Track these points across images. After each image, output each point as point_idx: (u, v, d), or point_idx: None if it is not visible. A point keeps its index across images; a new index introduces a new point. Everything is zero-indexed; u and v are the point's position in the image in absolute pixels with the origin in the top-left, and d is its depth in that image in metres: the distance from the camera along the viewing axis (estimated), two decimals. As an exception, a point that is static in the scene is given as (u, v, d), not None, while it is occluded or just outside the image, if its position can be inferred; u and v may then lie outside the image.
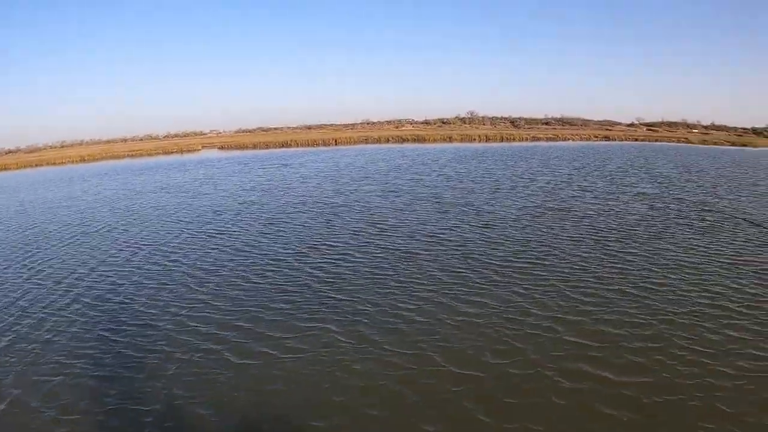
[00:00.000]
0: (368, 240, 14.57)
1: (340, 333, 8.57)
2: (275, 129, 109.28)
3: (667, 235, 14.50)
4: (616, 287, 10.35)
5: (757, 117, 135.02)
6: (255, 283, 11.35)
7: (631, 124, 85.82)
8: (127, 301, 10.63)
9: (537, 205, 18.99)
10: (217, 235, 16.00)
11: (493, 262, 12.20)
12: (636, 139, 65.19)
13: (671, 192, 21.92)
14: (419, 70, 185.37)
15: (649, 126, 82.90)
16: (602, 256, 12.52)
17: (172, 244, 15.17)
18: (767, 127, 73.51)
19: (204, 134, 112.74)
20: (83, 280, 12.22)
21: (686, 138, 65.43)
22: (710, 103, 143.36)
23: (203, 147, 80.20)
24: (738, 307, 9.29)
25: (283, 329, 8.83)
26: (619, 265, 11.81)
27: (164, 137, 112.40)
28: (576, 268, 11.61)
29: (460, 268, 11.84)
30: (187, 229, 17.21)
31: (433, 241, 14.16)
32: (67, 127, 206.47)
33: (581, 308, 9.34)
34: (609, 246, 13.42)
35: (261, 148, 72.37)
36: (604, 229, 15.19)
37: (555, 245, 13.53)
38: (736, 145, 57.87)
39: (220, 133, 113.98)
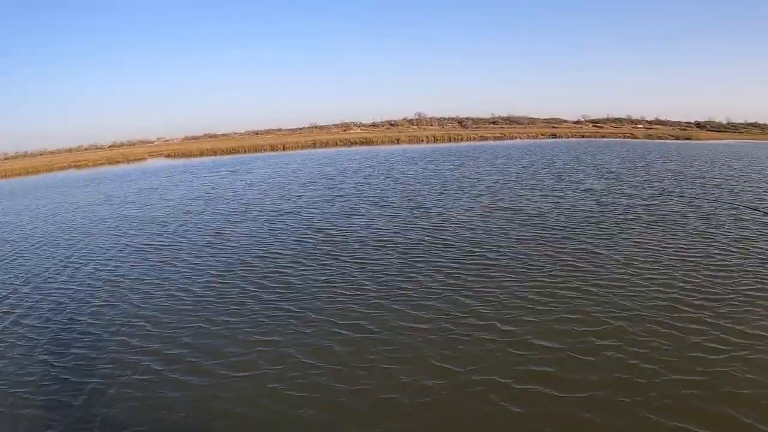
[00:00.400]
0: (316, 247, 14.01)
1: (289, 346, 8.08)
2: (223, 135, 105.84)
3: (618, 229, 14.24)
4: (570, 285, 10.01)
5: (699, 111, 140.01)
6: (201, 296, 10.71)
7: (577, 122, 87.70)
8: (69, 320, 9.94)
9: (485, 205, 18.53)
10: (162, 248, 15.17)
11: (444, 264, 11.72)
12: (582, 136, 66.57)
13: (619, 187, 21.91)
14: (365, 72, 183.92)
15: (595, 122, 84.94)
16: (554, 254, 12.09)
17: (116, 259, 14.28)
18: (709, 120, 76.41)
19: (151, 142, 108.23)
20: (24, 300, 11.34)
21: (632, 133, 67.36)
22: (654, 98, 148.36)
23: (149, 155, 77.08)
24: (693, 300, 9.07)
25: (230, 344, 8.30)
26: (571, 263, 11.39)
27: (110, 146, 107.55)
28: (528, 268, 11.19)
29: (410, 272, 11.32)
30: (132, 242, 16.19)
31: (381, 246, 13.67)
32: (8, 139, 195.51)
33: (536, 308, 8.99)
34: (560, 243, 13.07)
35: (209, 155, 70.02)
36: (555, 227, 14.76)
37: (505, 245, 13.11)
38: (680, 139, 59.92)
39: (167, 140, 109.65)
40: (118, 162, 70.38)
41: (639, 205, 17.57)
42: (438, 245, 13.35)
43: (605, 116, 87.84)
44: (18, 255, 15.79)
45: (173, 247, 15.20)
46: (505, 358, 7.29)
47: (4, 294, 11.91)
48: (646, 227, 14.38)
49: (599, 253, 11.98)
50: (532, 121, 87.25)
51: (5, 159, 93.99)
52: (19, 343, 9.10)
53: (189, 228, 17.73)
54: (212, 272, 12.36)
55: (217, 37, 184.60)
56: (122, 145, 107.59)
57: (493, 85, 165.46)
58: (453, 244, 13.36)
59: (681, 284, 9.80)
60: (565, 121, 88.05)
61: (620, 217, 15.83)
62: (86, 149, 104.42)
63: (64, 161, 73.01)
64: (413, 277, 10.97)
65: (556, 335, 7.87)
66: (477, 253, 12.42)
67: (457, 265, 11.56)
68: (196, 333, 8.79)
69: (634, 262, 11.21)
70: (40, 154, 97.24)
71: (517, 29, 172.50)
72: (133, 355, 8.26)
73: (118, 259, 14.32)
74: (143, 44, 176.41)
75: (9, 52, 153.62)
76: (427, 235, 14.43)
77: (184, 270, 12.72)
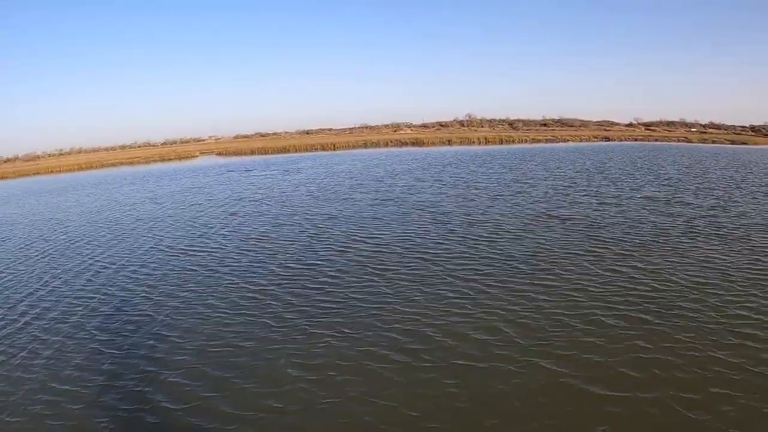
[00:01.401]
0: (362, 256, 13.69)
1: (331, 369, 7.89)
2: (274, 134, 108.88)
3: (683, 244, 13.63)
4: (636, 309, 9.42)
5: (755, 113, 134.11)
6: (237, 304, 10.83)
7: (630, 124, 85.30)
8: (104, 324, 10.28)
9: (541, 213, 18.21)
10: (202, 251, 15.50)
11: (495, 279, 11.30)
12: (636, 140, 64.85)
13: (679, 195, 21.20)
14: (416, 73, 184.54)
15: (647, 126, 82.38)
16: (618, 269, 11.64)
17: (155, 261, 14.77)
18: (765, 124, 73.33)
19: (202, 140, 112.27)
20: (68, 297, 12.03)
21: (686, 137, 65.13)
22: (707, 101, 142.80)
23: (201, 153, 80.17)
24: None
25: (281, 352, 8.46)
26: (639, 280, 10.90)
27: (162, 144, 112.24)
28: (592, 285, 10.73)
29: (463, 286, 10.99)
30: (172, 244, 16.70)
31: (430, 256, 13.39)
32: (66, 135, 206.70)
33: (613, 333, 8.52)
34: (622, 259, 12.43)
35: (259, 153, 72.17)
36: (614, 239, 14.35)
37: (565, 258, 12.63)
38: (735, 144, 57.66)
39: (218, 138, 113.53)
40: (170, 159, 73.64)
41: (703, 216, 16.90)
42: (496, 257, 12.85)
43: (658, 119, 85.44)
44: (59, 252, 16.70)
45: (214, 251, 15.40)
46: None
47: (44, 288, 12.64)
48: (712, 241, 13.77)
49: (668, 273, 11.23)
50: (583, 124, 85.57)
51: (60, 155, 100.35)
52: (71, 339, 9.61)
53: (231, 230, 18.03)
54: (249, 278, 12.38)
55: (267, 37, 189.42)
56: (174, 143, 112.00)
57: (544, 87, 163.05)
58: (513, 256, 12.90)
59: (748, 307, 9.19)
60: (617, 124, 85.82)
61: (684, 228, 15.33)
62: (139, 147, 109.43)
63: (117, 158, 77.38)
64: (467, 293, 10.51)
65: (631, 362, 7.50)
66: (531, 267, 11.89)
67: (513, 279, 11.14)
68: (225, 349, 8.73)
69: (706, 286, 10.37)
70: (94, 151, 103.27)
71: (566, 29, 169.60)
72: (172, 354, 8.62)
73: (157, 260, 14.67)
74: (197, 44, 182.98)
75: (66, 52, 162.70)
76: (482, 247, 13.97)
77: (222, 275, 12.78)
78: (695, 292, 10.07)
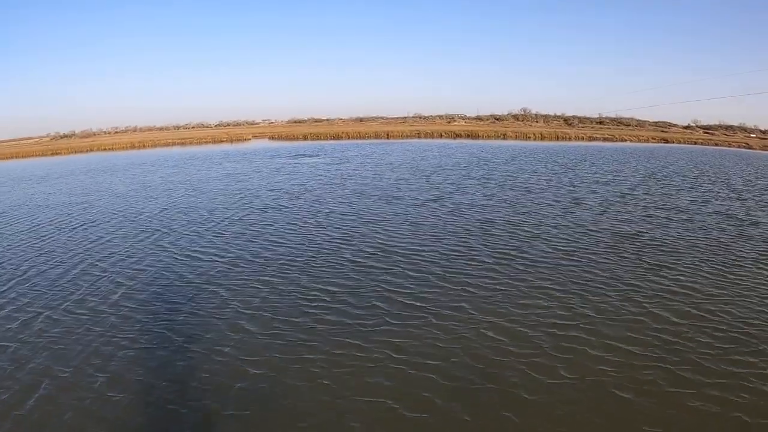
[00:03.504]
0: (413, 263, 13.28)
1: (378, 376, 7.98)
2: (327, 120, 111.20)
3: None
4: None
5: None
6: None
7: (687, 126, 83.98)
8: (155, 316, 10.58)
9: (608, 230, 16.53)
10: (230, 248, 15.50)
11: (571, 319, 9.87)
12: (695, 143, 64.23)
13: (756, 211, 19.66)
14: (471, 65, 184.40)
15: (706, 129, 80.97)
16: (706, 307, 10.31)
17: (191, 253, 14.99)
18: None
19: (256, 124, 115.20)
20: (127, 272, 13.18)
21: (746, 143, 63.75)
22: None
23: (253, 137, 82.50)
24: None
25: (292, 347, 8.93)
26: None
27: (216, 126, 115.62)
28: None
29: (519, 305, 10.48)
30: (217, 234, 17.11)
31: (480, 270, 12.59)
32: (125, 113, 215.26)
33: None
34: (706, 293, 11.09)
35: (312, 139, 74.33)
36: (690, 272, 12.45)
37: (641, 286, 11.47)
38: (801, 151, 56.36)
39: (272, 122, 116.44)
40: (222, 141, 76.53)
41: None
42: (563, 281, 11.79)
43: (717, 122, 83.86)
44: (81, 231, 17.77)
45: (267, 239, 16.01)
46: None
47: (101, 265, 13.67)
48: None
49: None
50: (639, 124, 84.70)
51: (115, 132, 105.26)
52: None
53: (240, 231, 17.58)
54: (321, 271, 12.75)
55: (324, 27, 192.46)
56: (228, 125, 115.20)
57: (600, 84, 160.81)
58: (579, 283, 11.71)
59: None
60: (675, 126, 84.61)
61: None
62: (193, 127, 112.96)
63: (170, 138, 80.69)
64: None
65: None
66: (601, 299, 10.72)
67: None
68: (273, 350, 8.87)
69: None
70: (149, 130, 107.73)
71: (625, 26, 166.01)
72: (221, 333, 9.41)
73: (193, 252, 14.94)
74: (256, 29, 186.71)
75: (131, 30, 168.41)
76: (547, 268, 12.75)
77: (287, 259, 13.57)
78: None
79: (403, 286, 11.64)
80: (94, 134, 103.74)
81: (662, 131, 76.92)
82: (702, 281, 11.77)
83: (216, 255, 14.52)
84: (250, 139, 79.65)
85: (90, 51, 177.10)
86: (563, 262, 13.20)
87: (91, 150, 69.96)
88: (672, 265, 12.87)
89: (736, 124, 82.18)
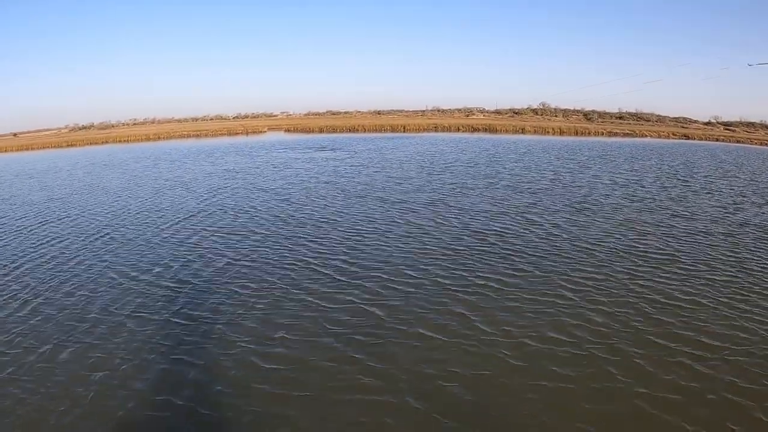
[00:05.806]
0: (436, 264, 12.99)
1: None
2: (345, 113, 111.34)
3: None
4: None
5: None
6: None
7: (708, 123, 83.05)
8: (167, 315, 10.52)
9: (636, 230, 15.87)
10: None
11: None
12: (717, 139, 63.15)
13: None
14: (489, 58, 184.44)
15: (727, 125, 79.99)
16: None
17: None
18: None
19: (274, 116, 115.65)
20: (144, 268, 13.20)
21: (768, 140, 63.11)
22: None
23: (269, 129, 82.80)
24: None
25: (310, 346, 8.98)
26: None
27: (234, 118, 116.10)
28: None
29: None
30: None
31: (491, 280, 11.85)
32: (146, 103, 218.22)
33: None
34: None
35: (328, 131, 74.64)
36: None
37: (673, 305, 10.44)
38: (828, 150, 55.55)
39: (289, 114, 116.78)
40: (237, 133, 76.64)
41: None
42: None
43: (738, 119, 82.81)
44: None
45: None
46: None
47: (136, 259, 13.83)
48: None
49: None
50: (659, 119, 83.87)
51: (134, 124, 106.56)
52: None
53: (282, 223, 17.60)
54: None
55: (342, 19, 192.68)
56: (246, 117, 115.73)
57: (619, 79, 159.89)
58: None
59: None
60: (695, 122, 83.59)
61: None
62: (211, 119, 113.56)
63: (185, 130, 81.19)
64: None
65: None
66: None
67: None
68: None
69: None
70: (167, 122, 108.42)
71: (643, 21, 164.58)
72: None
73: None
74: (276, 23, 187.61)
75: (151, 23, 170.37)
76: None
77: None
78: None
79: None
80: (113, 126, 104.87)
81: (683, 127, 76.05)
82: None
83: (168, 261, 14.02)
84: (265, 131, 79.86)
85: (115, 43, 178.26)
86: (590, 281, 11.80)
87: (107, 142, 70.32)
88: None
89: (757, 121, 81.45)
